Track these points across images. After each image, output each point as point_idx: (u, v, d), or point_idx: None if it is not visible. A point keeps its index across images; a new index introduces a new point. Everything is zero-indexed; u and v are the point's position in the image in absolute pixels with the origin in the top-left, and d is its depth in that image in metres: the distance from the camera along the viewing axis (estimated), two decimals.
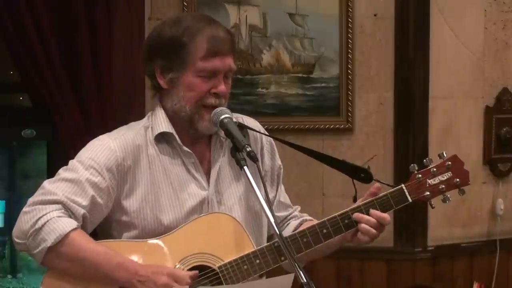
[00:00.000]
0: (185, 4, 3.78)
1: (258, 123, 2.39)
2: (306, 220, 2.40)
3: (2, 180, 3.83)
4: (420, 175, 2.24)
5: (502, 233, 4.00)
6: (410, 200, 2.23)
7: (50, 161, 3.59)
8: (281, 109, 3.82)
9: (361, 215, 2.19)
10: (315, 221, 2.32)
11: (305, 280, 1.89)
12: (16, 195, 3.81)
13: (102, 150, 2.16)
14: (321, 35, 3.81)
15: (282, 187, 2.45)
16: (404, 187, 2.23)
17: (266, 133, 2.37)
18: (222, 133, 2.22)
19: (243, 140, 2.06)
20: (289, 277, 1.97)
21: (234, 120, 2.21)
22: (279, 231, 1.97)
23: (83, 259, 2.07)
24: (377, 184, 2.23)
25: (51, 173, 3.54)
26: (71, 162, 2.18)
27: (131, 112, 3.62)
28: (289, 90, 3.83)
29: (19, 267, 3.84)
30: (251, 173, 2.04)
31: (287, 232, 2.36)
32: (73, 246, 2.06)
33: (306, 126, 3.81)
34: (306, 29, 3.80)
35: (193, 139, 2.24)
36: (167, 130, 2.20)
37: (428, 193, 2.24)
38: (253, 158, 2.02)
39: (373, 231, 2.18)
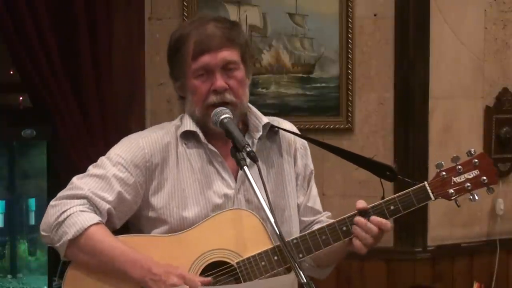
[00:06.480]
0: (185, 4, 3.78)
1: (294, 126, 2.41)
2: None
3: (2, 180, 3.83)
4: (444, 173, 2.20)
5: (502, 233, 4.00)
6: (433, 198, 2.19)
7: (50, 161, 3.58)
8: (281, 109, 3.82)
9: (361, 219, 2.18)
10: None
11: (305, 280, 1.89)
12: (16, 195, 3.81)
13: (130, 147, 2.22)
14: (321, 35, 3.81)
15: (313, 192, 2.46)
16: (426, 185, 2.20)
17: (301, 135, 2.38)
18: (256, 135, 2.27)
19: (243, 140, 2.07)
20: (289, 277, 1.97)
21: (266, 121, 2.27)
22: (279, 231, 1.97)
23: (100, 253, 2.11)
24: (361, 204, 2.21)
25: (51, 173, 3.55)
26: (100, 159, 2.24)
27: (131, 112, 3.62)
28: (289, 90, 3.83)
29: (19, 267, 3.84)
30: (273, 173, 2.21)
31: None
32: (91, 240, 2.11)
33: (306, 126, 3.81)
34: (306, 29, 3.80)
35: (218, 138, 2.24)
36: (192, 129, 2.24)
37: (453, 191, 2.19)
38: (253, 158, 2.03)
39: (369, 238, 2.17)
